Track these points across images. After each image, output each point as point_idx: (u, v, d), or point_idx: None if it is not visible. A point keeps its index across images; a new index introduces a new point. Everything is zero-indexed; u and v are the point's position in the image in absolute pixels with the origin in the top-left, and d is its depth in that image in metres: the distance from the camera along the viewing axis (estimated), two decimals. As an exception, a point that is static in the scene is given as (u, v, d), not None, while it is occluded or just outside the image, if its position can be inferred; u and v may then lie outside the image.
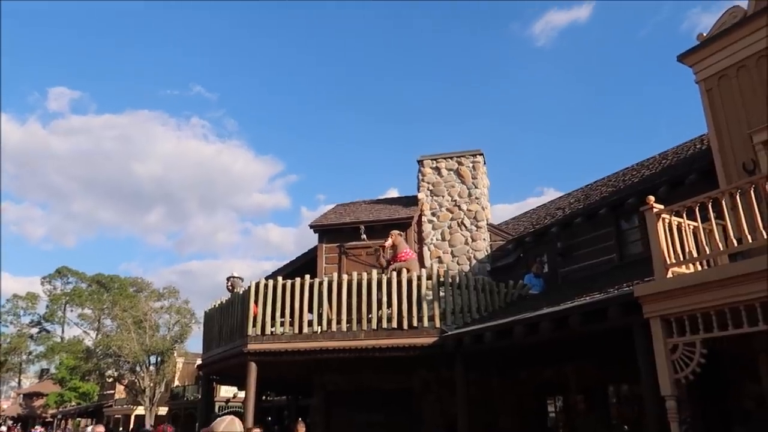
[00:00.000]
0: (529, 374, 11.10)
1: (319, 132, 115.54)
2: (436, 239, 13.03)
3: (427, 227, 13.14)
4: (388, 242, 10.52)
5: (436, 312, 9.31)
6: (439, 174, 13.55)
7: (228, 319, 11.01)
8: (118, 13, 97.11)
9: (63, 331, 52.97)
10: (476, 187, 13.23)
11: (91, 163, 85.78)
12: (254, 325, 9.86)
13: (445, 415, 11.37)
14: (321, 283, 9.91)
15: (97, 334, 44.40)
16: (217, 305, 11.81)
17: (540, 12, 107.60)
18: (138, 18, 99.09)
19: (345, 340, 9.47)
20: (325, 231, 13.23)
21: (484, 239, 12.78)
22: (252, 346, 9.76)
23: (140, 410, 33.37)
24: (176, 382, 36.63)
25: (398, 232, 10.53)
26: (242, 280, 12.51)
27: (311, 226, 13.24)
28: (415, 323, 9.37)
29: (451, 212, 13.17)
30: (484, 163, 13.59)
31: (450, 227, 12.97)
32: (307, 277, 10.14)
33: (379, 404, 11.78)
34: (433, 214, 13.20)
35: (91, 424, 42.89)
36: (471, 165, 13.42)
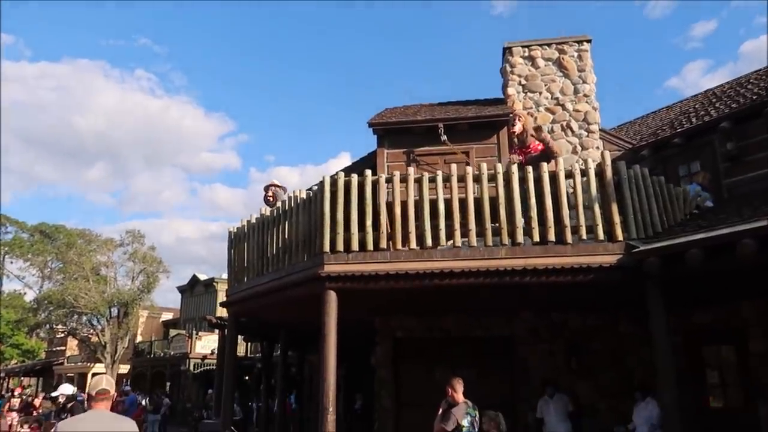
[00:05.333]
0: (675, 318, 8.40)
1: (272, 91, 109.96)
2: (534, 146, 10.02)
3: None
4: (518, 128, 7.46)
5: (616, 220, 6.34)
6: (534, 65, 10.46)
7: (278, 237, 7.77)
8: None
9: (1, 285, 47.71)
10: (584, 82, 10.23)
11: (27, 115, 77.84)
12: (333, 239, 6.69)
13: (559, 372, 8.62)
14: (433, 179, 6.76)
15: (42, 285, 39.75)
16: (254, 221, 8.51)
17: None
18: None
19: (477, 260, 6.42)
20: (388, 131, 10.00)
21: (597, 147, 9.84)
22: (332, 268, 6.60)
23: (99, 368, 29.60)
24: (139, 338, 32.95)
25: (529, 111, 7.45)
26: (285, 190, 9.25)
27: (370, 125, 9.98)
28: (584, 235, 6.41)
29: (553, 113, 10.16)
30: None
31: (552, 131, 9.95)
32: (411, 170, 7.00)
33: (468, 357, 8.85)
34: (529, 115, 10.14)
35: (37, 383, 38.78)
36: (576, 54, 10.39)
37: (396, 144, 10.00)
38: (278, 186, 8.99)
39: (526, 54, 10.53)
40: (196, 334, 26.50)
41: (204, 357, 25.53)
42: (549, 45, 10.50)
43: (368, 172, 6.97)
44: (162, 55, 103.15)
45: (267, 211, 8.27)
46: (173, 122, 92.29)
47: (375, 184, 6.88)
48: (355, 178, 6.91)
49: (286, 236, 7.58)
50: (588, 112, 10.03)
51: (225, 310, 9.98)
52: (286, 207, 7.72)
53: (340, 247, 6.67)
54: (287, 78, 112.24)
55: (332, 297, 6.58)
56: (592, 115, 10.01)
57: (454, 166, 6.86)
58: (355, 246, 6.67)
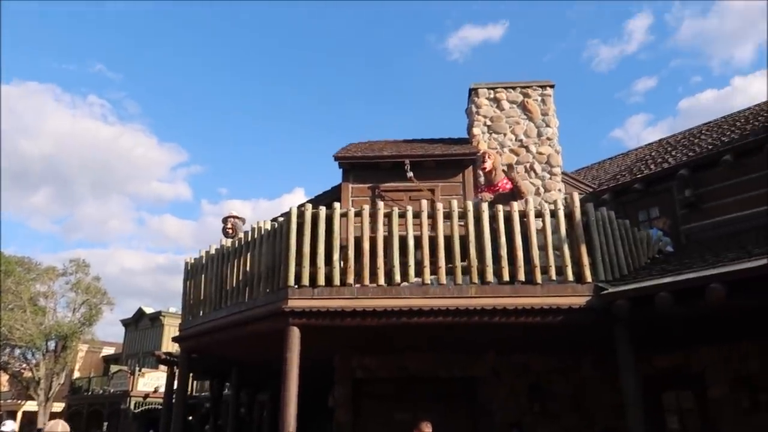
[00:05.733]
0: (636, 362, 8.41)
1: (227, 124, 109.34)
2: (499, 187, 10.09)
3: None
4: (488, 164, 7.49)
5: (585, 261, 6.36)
6: (499, 107, 10.64)
7: (239, 269, 7.47)
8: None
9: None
10: (547, 126, 10.44)
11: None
12: (299, 273, 6.46)
13: (522, 414, 8.48)
14: (403, 214, 6.66)
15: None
16: (213, 251, 8.18)
17: (456, 26, 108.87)
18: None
19: (447, 298, 6.30)
20: (354, 166, 9.92)
21: (559, 190, 10.00)
22: (296, 303, 6.35)
23: (30, 405, 27.74)
24: (76, 373, 31.16)
25: (496, 151, 7.52)
26: (244, 221, 9.00)
27: (336, 158, 9.88)
28: (553, 276, 6.38)
29: (517, 154, 10.29)
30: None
31: (516, 172, 10.05)
32: (381, 204, 6.88)
33: (430, 398, 8.63)
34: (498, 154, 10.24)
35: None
36: (540, 98, 10.63)
37: (361, 179, 9.91)
38: (237, 217, 8.73)
39: (492, 96, 10.71)
40: (139, 370, 25.26)
41: (146, 395, 24.30)
42: (514, 88, 10.71)
43: (337, 204, 6.82)
44: (116, 82, 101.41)
45: (228, 242, 7.97)
46: (124, 150, 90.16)
47: (344, 218, 6.72)
48: (323, 210, 6.74)
49: (248, 269, 7.29)
50: (551, 155, 10.21)
51: (172, 345, 9.50)
52: (249, 238, 7.45)
53: (306, 281, 6.44)
54: (243, 111, 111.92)
55: (295, 333, 6.31)
56: (554, 158, 10.19)
57: (424, 202, 6.77)
58: (321, 281, 6.46)
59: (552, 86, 10.72)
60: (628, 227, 7.17)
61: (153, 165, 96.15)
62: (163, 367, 22.26)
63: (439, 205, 6.72)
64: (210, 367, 11.69)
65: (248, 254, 7.35)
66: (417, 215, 6.66)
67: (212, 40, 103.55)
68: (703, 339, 7.71)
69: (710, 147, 8.82)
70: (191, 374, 15.49)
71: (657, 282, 5.67)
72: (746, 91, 74.60)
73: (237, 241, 7.70)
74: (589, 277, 6.28)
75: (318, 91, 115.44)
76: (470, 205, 6.67)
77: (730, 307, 5.26)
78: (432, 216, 6.63)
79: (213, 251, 8.16)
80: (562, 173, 10.30)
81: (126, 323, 33.41)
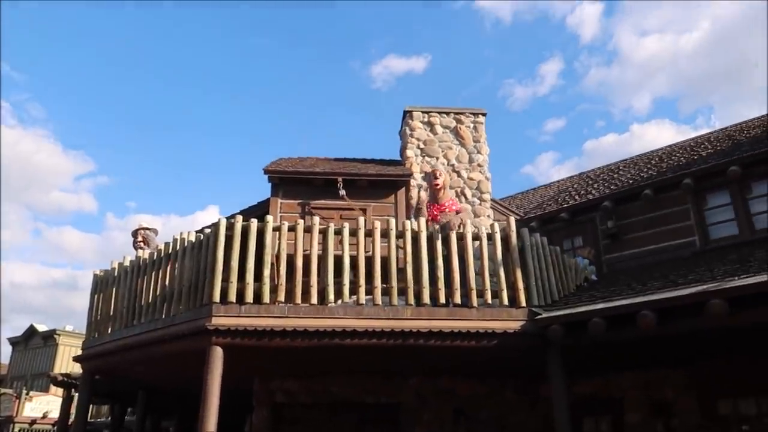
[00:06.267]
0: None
1: (139, 135, 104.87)
2: (429, 210, 10.07)
3: (417, 194, 10.12)
4: (440, 181, 7.39)
5: (520, 286, 6.36)
6: (432, 131, 10.68)
7: (156, 283, 6.91)
8: None
9: None
10: (478, 153, 10.57)
11: None
12: (225, 289, 6.05)
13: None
14: (339, 231, 6.43)
15: None
16: (127, 263, 7.54)
17: (381, 55, 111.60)
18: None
19: (382, 319, 6.08)
20: (284, 180, 9.57)
21: (488, 216, 10.10)
22: (221, 321, 5.92)
23: None
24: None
25: (444, 170, 7.48)
26: (156, 232, 8.43)
27: (266, 171, 9.49)
28: (489, 300, 6.33)
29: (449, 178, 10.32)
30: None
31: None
32: (317, 219, 6.60)
33: (355, 424, 8.33)
34: (425, 179, 10.24)
35: None
36: (472, 125, 10.77)
37: (291, 195, 9.57)
38: (149, 229, 8.15)
39: (426, 119, 10.74)
40: (27, 394, 23.06)
41: (33, 421, 22.15)
42: (447, 113, 10.80)
43: (269, 217, 6.49)
44: (21, 83, 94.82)
45: (145, 254, 7.38)
46: (23, 156, 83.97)
47: (276, 232, 6.39)
48: (254, 223, 6.38)
49: (167, 283, 6.76)
50: (481, 182, 10.32)
51: (68, 365, 8.65)
52: (169, 250, 6.92)
53: (233, 297, 6.03)
54: (156, 123, 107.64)
55: (218, 353, 5.86)
56: (484, 185, 10.31)
57: (362, 219, 6.57)
58: (249, 297, 6.07)
59: (484, 114, 10.90)
60: (558, 253, 7.29)
61: (55, 173, 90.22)
62: (55, 390, 20.48)
63: (377, 223, 6.54)
64: (114, 390, 10.80)
65: (168, 267, 6.83)
66: (354, 233, 6.44)
67: (126, 46, 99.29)
68: (624, 366, 7.94)
69: (631, 182, 9.26)
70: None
71: (590, 308, 5.73)
72: (643, 138, 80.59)
73: (156, 253, 7.14)
74: (523, 302, 6.29)
75: (235, 108, 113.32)
76: (408, 224, 6.54)
77: (657, 334, 5.38)
78: (370, 234, 6.44)
79: (127, 263, 7.53)
80: (491, 200, 10.44)
81: (14, 342, 30.60)
